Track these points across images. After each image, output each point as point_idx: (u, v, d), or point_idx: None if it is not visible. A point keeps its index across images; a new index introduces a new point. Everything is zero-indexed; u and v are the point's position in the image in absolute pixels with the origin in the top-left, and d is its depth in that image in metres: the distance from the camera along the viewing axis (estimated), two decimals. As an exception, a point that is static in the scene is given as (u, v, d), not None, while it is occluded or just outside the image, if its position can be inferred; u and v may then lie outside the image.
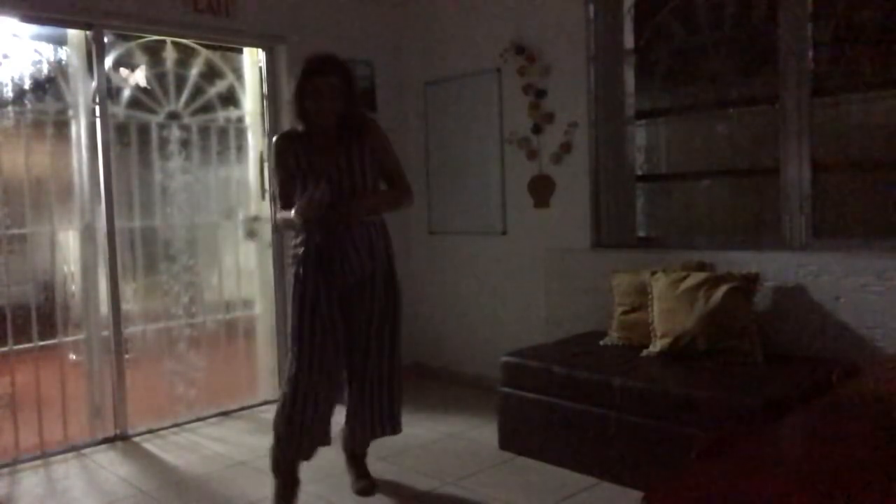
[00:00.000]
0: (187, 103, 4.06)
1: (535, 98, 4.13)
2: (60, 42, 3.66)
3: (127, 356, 3.82)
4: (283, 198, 2.83)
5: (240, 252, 4.31)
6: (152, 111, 3.94)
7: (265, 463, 3.36)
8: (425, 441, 3.61)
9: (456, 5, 4.54)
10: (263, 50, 4.32)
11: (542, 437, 3.22)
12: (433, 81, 4.70)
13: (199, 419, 4.03)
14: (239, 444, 3.65)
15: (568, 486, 2.98)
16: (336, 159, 2.76)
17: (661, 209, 4.04)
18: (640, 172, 4.01)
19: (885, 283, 2.96)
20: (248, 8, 4.12)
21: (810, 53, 3.29)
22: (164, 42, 3.97)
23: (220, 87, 4.20)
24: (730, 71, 3.65)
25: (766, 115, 3.53)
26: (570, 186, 4.04)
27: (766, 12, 3.46)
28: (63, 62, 3.67)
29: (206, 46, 4.12)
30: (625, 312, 3.47)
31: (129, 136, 3.87)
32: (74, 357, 3.73)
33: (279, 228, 2.99)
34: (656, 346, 3.22)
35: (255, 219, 4.32)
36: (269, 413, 4.13)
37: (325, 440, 2.92)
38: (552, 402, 3.18)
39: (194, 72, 4.09)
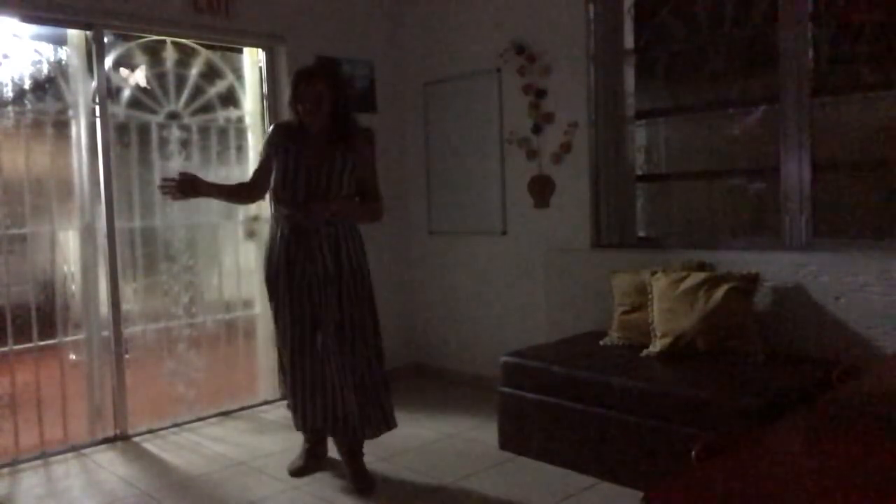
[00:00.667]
0: (187, 103, 4.06)
1: (535, 98, 4.13)
2: (60, 42, 3.66)
3: (127, 356, 3.82)
4: (254, 173, 3.16)
5: (240, 252, 4.31)
6: (152, 111, 3.95)
7: (265, 463, 3.38)
8: (425, 441, 3.61)
9: (456, 5, 4.54)
10: (263, 50, 4.32)
11: (542, 437, 3.22)
12: (433, 81, 4.70)
13: (199, 419, 4.03)
14: (239, 444, 3.65)
15: (568, 486, 2.98)
16: (319, 160, 2.95)
17: (661, 209, 4.04)
18: (640, 172, 4.01)
19: (885, 283, 2.96)
20: (248, 8, 4.12)
21: (810, 53, 3.30)
22: (164, 42, 3.97)
23: (220, 87, 4.20)
24: (730, 71, 3.65)
25: (766, 116, 3.53)
26: (570, 186, 4.04)
27: (766, 12, 3.46)
28: (63, 62, 3.67)
29: (206, 46, 4.13)
30: (625, 312, 3.47)
31: (129, 136, 3.87)
32: (74, 357, 3.73)
33: (215, 193, 3.18)
34: (656, 346, 3.22)
35: (255, 219, 4.32)
36: (269, 413, 4.16)
37: (319, 425, 3.10)
38: (552, 402, 3.18)
39: (194, 72, 4.09)
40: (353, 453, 3.11)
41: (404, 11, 4.83)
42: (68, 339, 3.69)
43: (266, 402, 4.31)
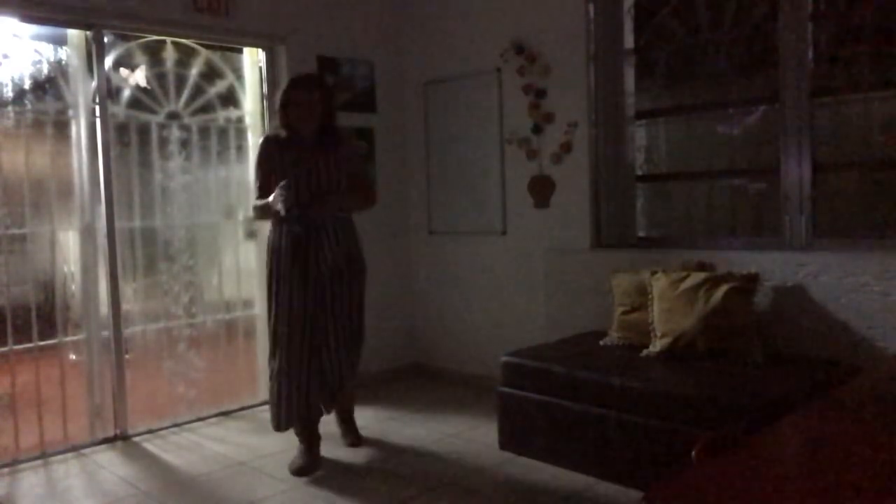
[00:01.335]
0: (187, 103, 4.06)
1: (535, 98, 4.13)
2: (60, 42, 3.66)
3: (127, 356, 3.82)
4: (260, 189, 3.30)
5: (240, 252, 4.31)
6: (152, 111, 3.95)
7: (265, 463, 3.38)
8: (425, 441, 3.61)
9: (456, 5, 4.54)
10: (263, 50, 4.32)
11: (541, 437, 3.22)
12: (433, 81, 4.70)
13: (199, 419, 4.03)
14: (239, 444, 3.65)
15: (568, 486, 2.98)
16: (311, 163, 3.22)
17: (661, 209, 4.04)
18: (640, 172, 4.01)
19: (885, 283, 2.96)
20: (248, 8, 4.12)
21: (810, 53, 3.30)
22: (164, 42, 3.97)
23: (219, 87, 4.20)
24: (730, 71, 3.65)
25: (766, 115, 3.53)
26: (570, 186, 4.04)
27: (766, 12, 3.46)
28: (63, 62, 3.67)
29: (206, 46, 4.12)
30: (625, 312, 3.47)
31: (129, 136, 3.87)
32: (74, 357, 3.73)
33: (256, 217, 3.50)
34: (656, 346, 3.22)
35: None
36: (269, 413, 4.14)
37: (305, 412, 3.29)
38: (552, 402, 3.18)
39: (194, 72, 4.09)
40: (344, 419, 3.62)
41: (404, 11, 4.83)
42: (68, 339, 3.69)
43: (266, 402, 4.30)
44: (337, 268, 3.26)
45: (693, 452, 1.51)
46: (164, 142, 3.98)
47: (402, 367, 4.81)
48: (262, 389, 4.38)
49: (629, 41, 3.95)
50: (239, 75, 4.30)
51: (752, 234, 3.58)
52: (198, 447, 3.64)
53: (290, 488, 3.08)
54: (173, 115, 4.01)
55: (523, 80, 4.17)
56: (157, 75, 3.97)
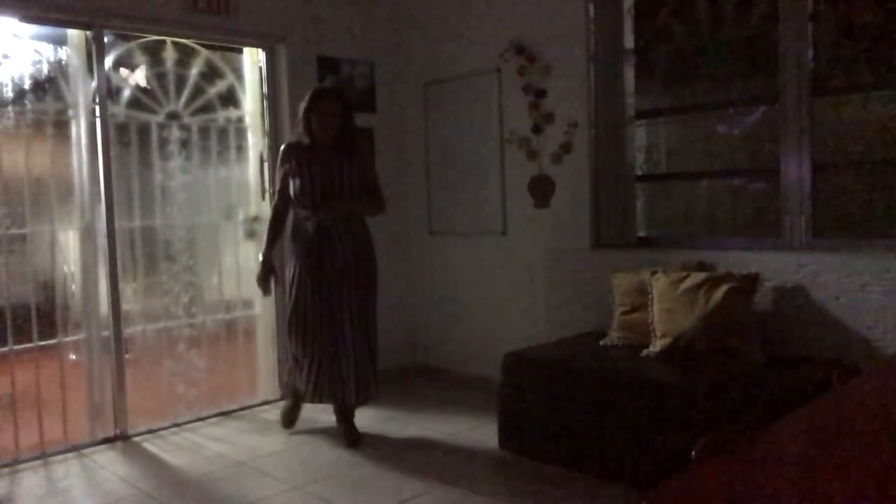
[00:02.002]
0: (187, 103, 4.06)
1: (535, 98, 4.12)
2: (60, 42, 3.66)
3: (127, 356, 3.82)
4: (279, 193, 3.65)
5: (240, 252, 4.31)
6: (152, 111, 3.94)
7: (265, 463, 3.38)
8: (425, 441, 3.61)
9: (456, 5, 4.54)
10: (263, 50, 4.32)
11: (542, 437, 3.22)
12: (433, 81, 4.70)
13: (199, 419, 4.03)
14: (239, 444, 3.65)
15: (568, 486, 2.98)
16: (329, 168, 3.50)
17: (661, 209, 4.04)
18: (640, 172, 4.00)
19: (885, 283, 2.96)
20: (248, 8, 4.12)
21: (810, 53, 3.29)
22: (164, 42, 3.97)
23: (220, 87, 4.20)
24: (730, 71, 3.65)
25: (766, 115, 3.53)
26: (570, 186, 4.04)
27: (766, 12, 3.46)
28: (63, 62, 3.67)
29: (206, 46, 4.12)
30: (625, 312, 3.46)
31: (129, 136, 3.87)
32: (74, 357, 3.73)
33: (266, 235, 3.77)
34: (656, 346, 3.22)
35: (255, 219, 4.32)
36: (269, 413, 4.15)
37: (303, 395, 3.63)
38: (552, 402, 3.18)
39: (194, 72, 4.09)
40: (346, 416, 3.65)
41: (404, 12, 4.83)
42: (68, 339, 3.69)
43: (266, 402, 4.31)
44: (347, 266, 3.50)
45: (693, 452, 1.51)
46: (164, 142, 3.98)
47: (402, 367, 4.81)
48: (262, 389, 4.39)
49: (629, 41, 3.94)
50: (239, 75, 4.30)
51: (753, 235, 3.58)
52: (198, 447, 3.64)
53: (290, 488, 3.08)
54: (173, 115, 4.01)
55: (523, 80, 4.17)
56: (157, 75, 3.97)
